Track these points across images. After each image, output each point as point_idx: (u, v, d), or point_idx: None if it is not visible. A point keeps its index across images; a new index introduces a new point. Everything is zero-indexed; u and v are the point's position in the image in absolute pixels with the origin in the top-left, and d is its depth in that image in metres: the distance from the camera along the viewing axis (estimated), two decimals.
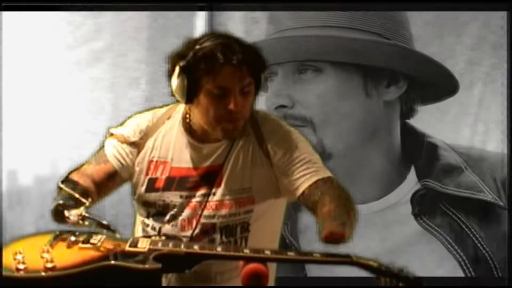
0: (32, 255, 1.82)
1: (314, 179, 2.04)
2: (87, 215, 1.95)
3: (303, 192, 2.04)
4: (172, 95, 2.09)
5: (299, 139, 2.13)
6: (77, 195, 2.02)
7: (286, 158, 2.08)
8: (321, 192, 2.01)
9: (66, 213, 1.96)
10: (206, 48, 2.00)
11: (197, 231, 2.09)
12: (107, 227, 1.94)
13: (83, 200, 2.01)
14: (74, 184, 2.08)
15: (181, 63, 2.01)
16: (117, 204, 3.07)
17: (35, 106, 3.62)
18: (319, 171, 2.06)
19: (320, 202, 1.97)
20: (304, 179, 2.05)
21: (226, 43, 2.01)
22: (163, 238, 1.98)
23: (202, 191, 2.11)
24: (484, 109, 3.69)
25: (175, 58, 2.05)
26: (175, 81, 2.04)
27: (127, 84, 3.71)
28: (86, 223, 1.95)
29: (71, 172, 2.15)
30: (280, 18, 3.68)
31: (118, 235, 1.95)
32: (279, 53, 3.59)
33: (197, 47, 2.01)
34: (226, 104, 2.01)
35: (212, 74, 1.99)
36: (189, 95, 2.03)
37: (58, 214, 1.98)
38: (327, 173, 2.07)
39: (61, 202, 2.00)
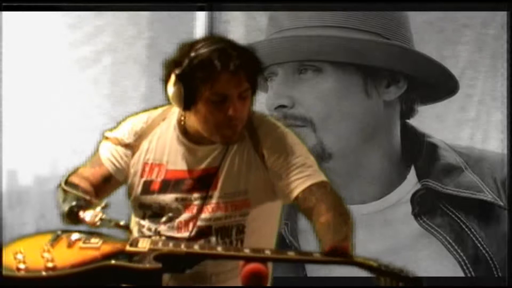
0: (32, 254, 1.83)
1: (308, 183, 2.03)
2: (104, 216, 1.95)
3: (297, 196, 2.03)
4: (169, 102, 2.06)
5: (295, 141, 2.12)
6: (87, 197, 2.02)
7: (281, 160, 2.07)
8: (315, 198, 1.99)
9: (81, 214, 1.95)
10: (202, 55, 1.96)
11: (193, 233, 2.08)
12: (124, 227, 1.95)
13: (94, 200, 2.01)
14: (76, 187, 2.07)
15: (177, 71, 1.98)
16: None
17: (35, 106, 3.62)
18: (313, 175, 2.05)
19: (316, 210, 1.96)
20: (298, 183, 2.03)
21: (222, 49, 1.98)
22: (163, 238, 1.98)
23: (198, 194, 2.10)
24: (484, 109, 3.69)
25: (170, 65, 2.02)
26: (171, 89, 2.01)
27: (127, 84, 3.71)
28: (102, 223, 1.94)
29: (69, 175, 2.14)
30: (280, 18, 3.68)
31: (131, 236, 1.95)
32: (279, 53, 3.59)
33: (193, 54, 1.97)
34: (225, 111, 1.99)
35: (210, 82, 1.96)
36: (187, 103, 2.01)
37: (72, 216, 1.97)
38: (322, 177, 2.06)
39: (74, 203, 1.98)
